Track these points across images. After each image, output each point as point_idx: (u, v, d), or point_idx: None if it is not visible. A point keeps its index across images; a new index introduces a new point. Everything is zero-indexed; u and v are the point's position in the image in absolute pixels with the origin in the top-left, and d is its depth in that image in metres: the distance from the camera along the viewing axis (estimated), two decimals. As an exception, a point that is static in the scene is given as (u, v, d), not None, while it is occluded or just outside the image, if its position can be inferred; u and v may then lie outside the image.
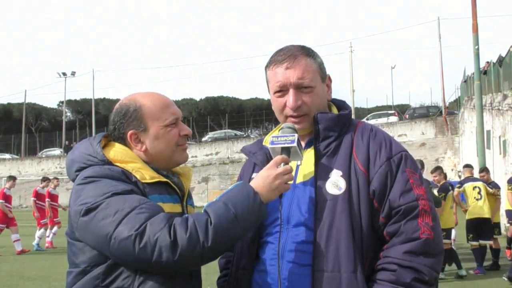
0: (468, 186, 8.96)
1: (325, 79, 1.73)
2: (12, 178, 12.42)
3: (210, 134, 44.71)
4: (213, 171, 36.81)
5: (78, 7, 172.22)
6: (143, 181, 1.57)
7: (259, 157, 1.75)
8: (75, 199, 1.50)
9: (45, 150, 49.62)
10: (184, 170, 1.79)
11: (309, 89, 1.64)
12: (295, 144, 1.55)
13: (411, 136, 30.69)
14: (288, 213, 1.60)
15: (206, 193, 34.11)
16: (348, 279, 1.49)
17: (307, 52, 1.68)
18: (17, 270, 9.53)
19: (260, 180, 1.52)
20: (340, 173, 1.58)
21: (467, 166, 9.98)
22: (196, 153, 38.47)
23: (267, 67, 1.71)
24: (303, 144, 1.69)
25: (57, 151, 45.98)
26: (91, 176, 1.52)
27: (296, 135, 1.57)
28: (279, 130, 1.68)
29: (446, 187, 8.49)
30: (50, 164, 42.71)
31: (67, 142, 44.13)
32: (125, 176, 1.54)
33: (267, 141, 1.74)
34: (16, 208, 40.68)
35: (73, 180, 1.60)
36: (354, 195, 1.55)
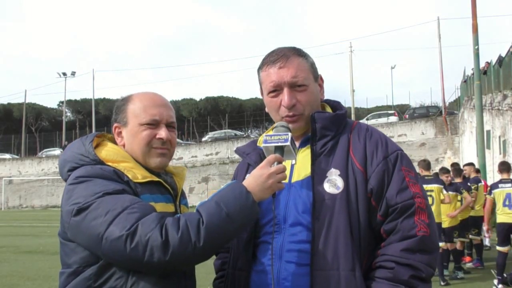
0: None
1: (317, 78, 1.75)
2: None
3: (210, 134, 44.64)
4: (213, 171, 36.79)
5: (78, 7, 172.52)
6: (135, 180, 1.56)
7: (253, 158, 1.75)
8: (66, 199, 1.50)
9: (45, 150, 49.57)
10: (178, 170, 1.79)
11: (302, 87, 1.65)
12: (288, 143, 1.53)
13: (411, 136, 30.65)
14: (284, 213, 1.59)
15: (206, 193, 34.07)
16: (347, 277, 1.49)
17: (298, 52, 1.70)
18: (17, 270, 9.53)
19: (253, 179, 1.51)
20: (338, 172, 1.58)
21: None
22: (196, 153, 38.47)
23: (259, 69, 1.72)
24: (297, 143, 1.69)
25: (57, 151, 45.89)
26: (83, 176, 1.51)
27: (289, 133, 1.56)
28: (272, 129, 1.68)
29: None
30: (50, 164, 42.64)
31: (66, 142, 44.05)
32: (117, 176, 1.53)
33: (261, 141, 1.74)
34: (16, 208, 40.97)
35: (66, 180, 1.59)
36: (352, 194, 1.56)
